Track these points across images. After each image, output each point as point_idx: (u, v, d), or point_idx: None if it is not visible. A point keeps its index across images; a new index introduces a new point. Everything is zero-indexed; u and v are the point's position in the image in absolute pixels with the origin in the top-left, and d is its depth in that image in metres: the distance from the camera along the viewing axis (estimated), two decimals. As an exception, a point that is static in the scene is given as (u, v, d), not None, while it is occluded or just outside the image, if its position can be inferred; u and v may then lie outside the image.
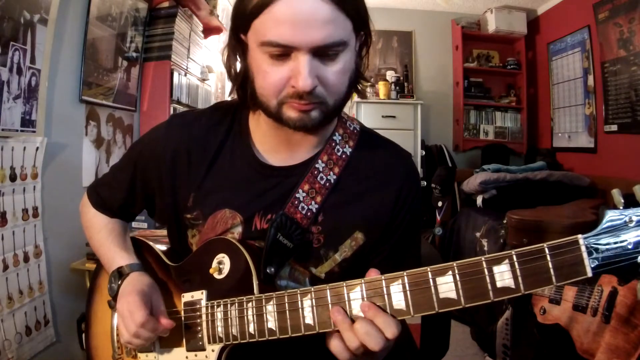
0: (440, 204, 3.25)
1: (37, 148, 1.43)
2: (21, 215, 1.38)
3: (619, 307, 1.47)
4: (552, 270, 0.49)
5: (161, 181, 0.80)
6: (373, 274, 0.59)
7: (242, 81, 0.72)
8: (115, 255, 0.82)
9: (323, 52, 0.63)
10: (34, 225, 1.45)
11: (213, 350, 0.71)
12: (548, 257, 0.49)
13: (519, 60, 4.08)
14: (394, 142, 0.85)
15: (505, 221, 2.28)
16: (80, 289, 1.60)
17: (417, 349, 1.07)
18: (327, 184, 0.76)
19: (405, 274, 0.56)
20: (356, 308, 0.58)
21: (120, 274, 0.79)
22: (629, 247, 0.47)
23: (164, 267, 0.83)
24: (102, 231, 0.86)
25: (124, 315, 0.72)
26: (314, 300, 0.61)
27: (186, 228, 0.80)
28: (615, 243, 0.47)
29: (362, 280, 0.59)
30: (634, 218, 0.47)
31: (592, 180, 3.02)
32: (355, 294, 0.59)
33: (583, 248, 0.48)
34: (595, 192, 3.00)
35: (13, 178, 1.34)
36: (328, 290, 0.60)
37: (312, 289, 0.62)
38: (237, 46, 0.71)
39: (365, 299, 0.58)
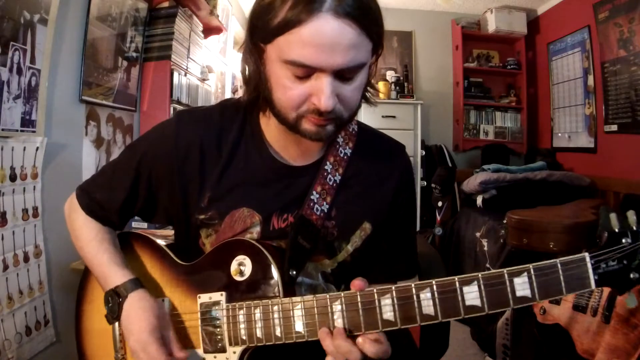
0: (440, 204, 3.25)
1: (37, 148, 1.43)
2: (21, 215, 1.38)
3: (619, 307, 1.47)
4: (563, 283, 0.56)
5: (171, 179, 0.78)
6: (357, 282, 0.64)
7: (256, 83, 0.73)
8: (110, 270, 0.79)
9: (344, 74, 0.65)
10: (34, 225, 1.45)
11: (234, 352, 0.71)
12: (560, 271, 0.56)
13: (519, 60, 4.08)
14: (388, 137, 0.91)
15: (505, 221, 2.28)
16: (80, 289, 1.60)
17: (417, 349, 1.07)
18: (334, 184, 0.80)
19: (434, 282, 0.60)
20: (387, 313, 0.62)
21: (118, 294, 0.76)
22: (625, 264, 0.56)
23: (172, 265, 0.81)
24: (92, 242, 0.82)
25: (142, 356, 0.71)
26: (344, 305, 0.64)
27: (198, 228, 0.79)
28: (614, 260, 0.56)
29: (393, 287, 0.62)
30: (629, 240, 0.56)
31: (592, 180, 3.02)
32: (386, 300, 0.62)
33: (589, 264, 0.56)
34: (595, 192, 3.00)
35: (13, 178, 1.34)
36: (359, 296, 0.63)
37: (342, 294, 0.64)
38: (254, 51, 0.71)
39: (396, 305, 0.62)
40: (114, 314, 0.76)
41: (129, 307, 0.75)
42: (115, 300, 0.76)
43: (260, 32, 0.67)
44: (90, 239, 0.83)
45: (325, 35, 0.61)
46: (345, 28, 0.61)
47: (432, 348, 1.11)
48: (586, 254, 0.56)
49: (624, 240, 0.56)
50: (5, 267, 1.32)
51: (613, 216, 0.57)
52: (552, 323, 1.70)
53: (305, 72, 0.64)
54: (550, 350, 1.74)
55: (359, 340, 0.63)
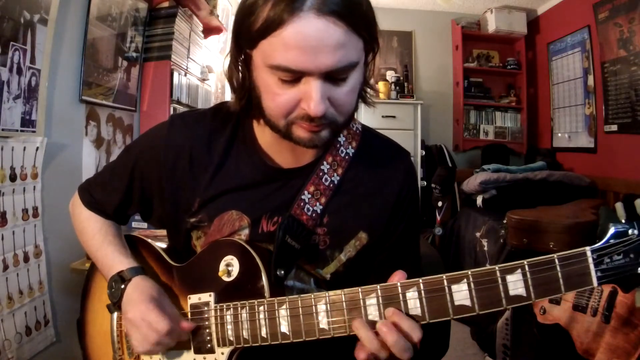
0: (440, 204, 3.25)
1: (37, 148, 1.43)
2: (21, 215, 1.38)
3: (619, 307, 1.47)
4: (561, 280, 0.51)
5: (161, 184, 0.78)
6: (398, 276, 0.60)
7: (246, 92, 0.70)
8: (114, 260, 0.80)
9: (334, 75, 0.61)
10: (34, 225, 1.45)
11: (223, 353, 0.70)
12: (558, 268, 0.52)
13: (519, 60, 4.08)
14: (393, 142, 0.86)
15: (505, 221, 2.28)
16: (80, 289, 1.60)
17: (417, 349, 1.07)
18: (331, 185, 0.77)
19: (421, 280, 0.57)
20: (372, 313, 0.59)
21: (122, 278, 0.76)
22: (631, 258, 0.50)
23: (166, 266, 0.82)
24: (96, 235, 0.83)
25: (140, 325, 0.70)
26: (328, 305, 0.62)
27: (189, 231, 0.79)
28: (619, 255, 0.50)
29: (378, 286, 0.59)
30: (636, 231, 0.50)
31: (592, 180, 3.02)
32: (371, 300, 0.59)
33: (590, 260, 0.51)
34: (595, 192, 3.01)
35: (13, 178, 1.34)
36: (343, 296, 0.61)
37: (327, 294, 0.62)
38: (241, 58, 0.68)
39: (381, 305, 0.59)
40: (114, 299, 0.76)
41: (130, 290, 0.75)
42: (118, 285, 0.76)
43: (244, 37, 0.63)
44: (94, 232, 0.84)
45: (309, 36, 0.57)
46: (330, 27, 0.57)
47: (432, 349, 1.11)
48: (587, 248, 0.51)
49: (630, 232, 0.50)
50: (5, 267, 1.32)
51: (619, 205, 0.52)
52: (552, 323, 1.70)
53: (292, 76, 0.60)
54: (550, 350, 1.74)
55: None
